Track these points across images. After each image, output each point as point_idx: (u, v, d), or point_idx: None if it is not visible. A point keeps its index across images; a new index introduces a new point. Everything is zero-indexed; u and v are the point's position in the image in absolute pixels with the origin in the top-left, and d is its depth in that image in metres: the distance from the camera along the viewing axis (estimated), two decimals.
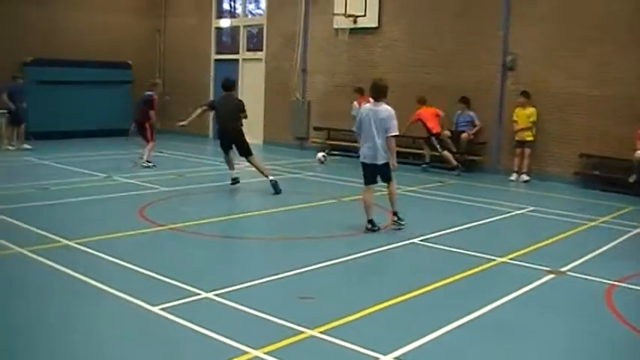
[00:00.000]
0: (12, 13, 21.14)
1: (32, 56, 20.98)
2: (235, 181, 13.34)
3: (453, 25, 17.01)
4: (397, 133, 9.72)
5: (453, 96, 16.49)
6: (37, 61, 20.95)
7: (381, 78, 10.69)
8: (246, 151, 13.12)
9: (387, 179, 9.90)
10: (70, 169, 15.17)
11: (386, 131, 9.55)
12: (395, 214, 9.96)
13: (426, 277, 7.59)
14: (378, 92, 9.83)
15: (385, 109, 9.69)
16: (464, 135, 16.21)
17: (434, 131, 16.24)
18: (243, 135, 13.20)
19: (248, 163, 13.39)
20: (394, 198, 9.97)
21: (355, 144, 10.77)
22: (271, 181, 12.66)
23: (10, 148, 18.61)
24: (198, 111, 13.58)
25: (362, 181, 9.95)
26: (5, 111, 18.68)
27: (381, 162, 9.63)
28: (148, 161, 15.61)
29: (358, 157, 10.00)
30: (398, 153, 9.99)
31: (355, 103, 16.45)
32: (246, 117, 13.33)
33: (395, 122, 9.67)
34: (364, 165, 9.82)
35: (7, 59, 20.64)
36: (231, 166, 13.39)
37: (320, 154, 17.38)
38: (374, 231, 9.65)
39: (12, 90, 18.55)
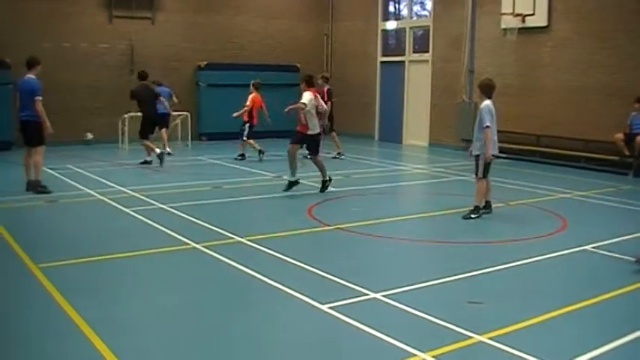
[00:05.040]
0: (191, 21, 22.33)
1: (206, 61, 22.07)
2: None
3: (629, 22, 16.22)
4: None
5: (629, 97, 15.77)
6: (209, 65, 22.02)
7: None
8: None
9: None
10: (240, 169, 15.81)
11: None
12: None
13: (598, 286, 7.31)
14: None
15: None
16: (638, 138, 15.44)
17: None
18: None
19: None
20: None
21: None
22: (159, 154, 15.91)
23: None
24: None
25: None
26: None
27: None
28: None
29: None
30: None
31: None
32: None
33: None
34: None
35: (186, 65, 21.96)
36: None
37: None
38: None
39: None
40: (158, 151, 16.12)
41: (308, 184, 13.67)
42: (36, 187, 12.33)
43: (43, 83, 12.48)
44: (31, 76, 12.34)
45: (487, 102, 10.76)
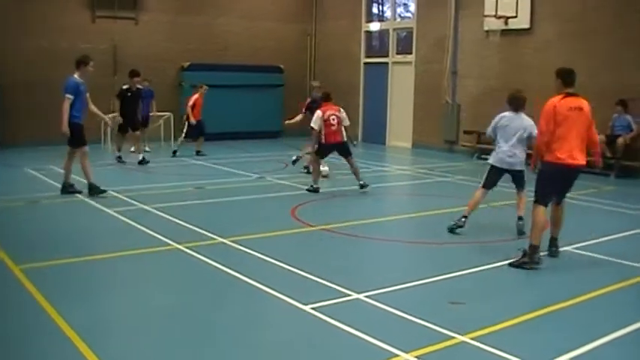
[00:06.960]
0: (174, 22, 22.29)
1: (189, 62, 22.04)
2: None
3: (609, 25, 16.32)
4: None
5: (610, 99, 15.85)
6: (193, 66, 22.00)
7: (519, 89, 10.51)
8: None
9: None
10: (224, 170, 15.76)
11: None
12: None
13: (579, 286, 7.37)
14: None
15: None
16: (620, 139, 15.55)
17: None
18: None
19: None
20: None
21: None
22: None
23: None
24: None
25: (512, 185, 9.91)
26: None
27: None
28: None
29: None
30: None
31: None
32: None
33: None
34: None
35: (170, 66, 21.93)
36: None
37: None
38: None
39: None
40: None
41: (292, 185, 13.66)
42: (95, 190, 12.14)
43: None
44: (75, 75, 12.23)
45: (503, 114, 10.12)
